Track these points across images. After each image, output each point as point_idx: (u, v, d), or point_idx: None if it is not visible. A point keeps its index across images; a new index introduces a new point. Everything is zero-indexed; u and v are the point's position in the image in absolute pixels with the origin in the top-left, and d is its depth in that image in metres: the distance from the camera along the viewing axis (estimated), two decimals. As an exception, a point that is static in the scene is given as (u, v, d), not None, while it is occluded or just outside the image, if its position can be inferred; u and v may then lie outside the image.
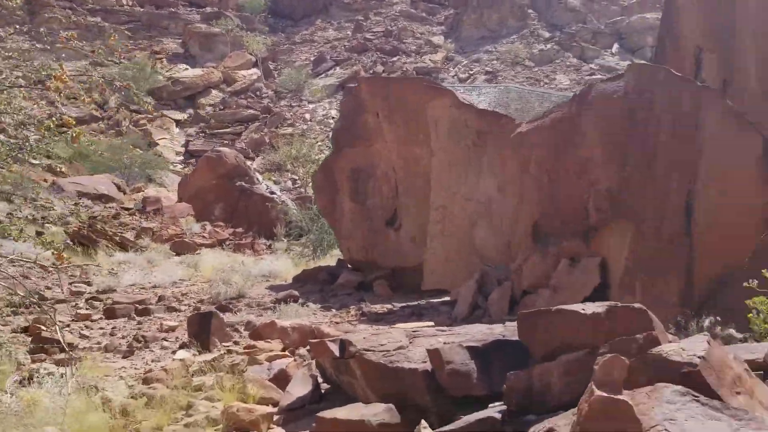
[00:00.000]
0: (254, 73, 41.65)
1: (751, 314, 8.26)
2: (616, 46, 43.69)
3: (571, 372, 5.12)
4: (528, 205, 12.26)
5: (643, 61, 30.04)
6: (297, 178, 32.24)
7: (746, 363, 6.45)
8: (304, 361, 8.45)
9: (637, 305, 5.26)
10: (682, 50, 16.84)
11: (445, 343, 6.25)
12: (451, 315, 12.13)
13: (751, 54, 14.50)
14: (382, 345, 6.55)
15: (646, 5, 45.25)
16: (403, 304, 12.94)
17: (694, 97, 10.05)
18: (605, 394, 3.20)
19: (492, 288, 12.42)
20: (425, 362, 6.14)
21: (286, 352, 9.17)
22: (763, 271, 7.94)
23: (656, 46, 17.88)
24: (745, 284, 8.12)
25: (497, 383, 5.77)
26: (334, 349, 6.91)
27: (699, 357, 3.80)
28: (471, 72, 42.68)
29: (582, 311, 5.28)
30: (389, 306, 12.88)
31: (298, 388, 7.42)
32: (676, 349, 3.98)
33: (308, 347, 8.50)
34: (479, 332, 6.69)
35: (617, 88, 10.88)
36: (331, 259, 18.25)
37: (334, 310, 12.79)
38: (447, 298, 13.17)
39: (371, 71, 39.92)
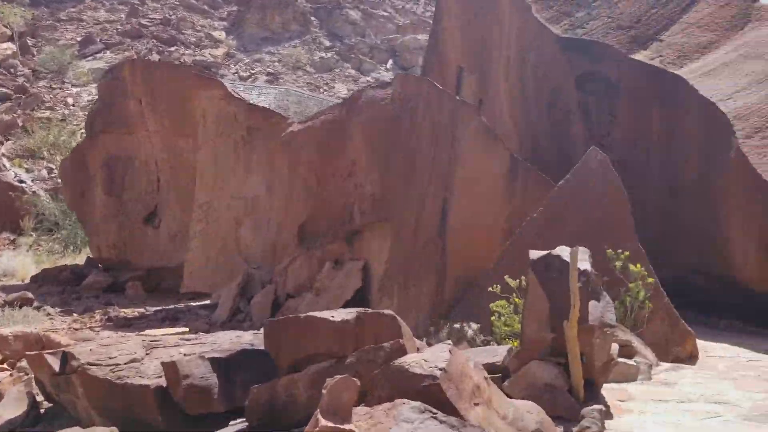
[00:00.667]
0: (9, 47, 36.51)
1: (494, 317, 8.64)
2: (390, 62, 45.46)
3: (318, 383, 4.67)
4: (296, 205, 11.84)
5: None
6: (54, 167, 28.71)
7: (487, 366, 6.61)
8: (25, 375, 7.11)
9: (387, 312, 4.98)
10: (445, 69, 17.72)
11: (185, 354, 5.49)
12: (209, 319, 11.27)
13: (502, 77, 15.61)
14: (111, 358, 5.60)
15: (419, 27, 47.75)
16: (158, 308, 11.80)
17: (452, 110, 10.34)
18: (331, 425, 2.78)
19: (255, 291, 11.80)
20: (161, 377, 5.34)
21: (5, 365, 7.69)
22: (505, 277, 8.28)
23: (424, 63, 18.65)
24: (489, 288, 8.47)
25: (241, 397, 5.16)
26: (54, 363, 5.79)
27: (440, 369, 3.55)
28: (252, 71, 41.62)
29: (331, 319, 4.87)
30: (141, 310, 11.66)
31: (10, 409, 6.16)
32: (418, 360, 3.70)
33: (31, 360, 7.15)
34: (227, 341, 6.03)
35: (385, 95, 10.89)
36: (83, 257, 16.29)
37: (75, 315, 11.24)
38: (207, 302, 12.27)
39: (146, 59, 37.08)
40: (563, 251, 6.70)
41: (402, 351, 4.44)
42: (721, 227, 11.26)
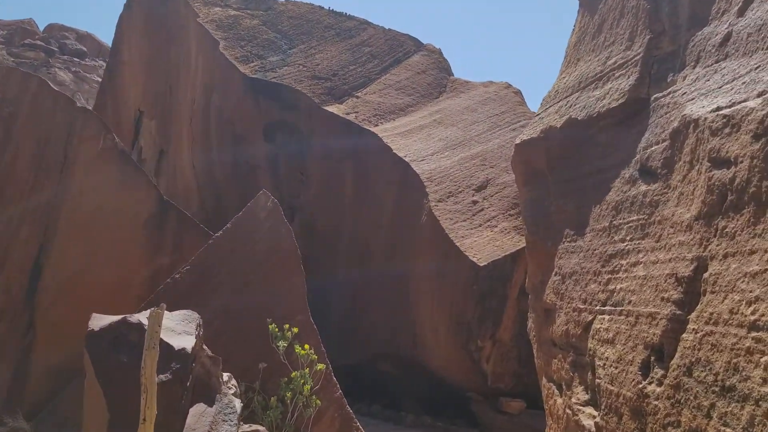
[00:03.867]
0: None
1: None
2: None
3: None
4: None
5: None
6: None
7: None
8: None
9: None
10: (122, 111, 14.19)
11: None
12: None
13: (185, 122, 12.65)
14: None
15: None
16: None
17: (69, 123, 6.95)
18: None
19: None
20: None
21: None
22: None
23: (96, 104, 14.86)
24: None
25: None
26: None
27: None
28: None
29: None
30: None
31: None
32: None
33: None
34: None
35: (-27, 94, 7.08)
36: None
37: None
38: None
39: None
40: (145, 316, 3.69)
41: None
42: (411, 301, 9.36)
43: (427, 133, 10.74)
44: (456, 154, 10.23)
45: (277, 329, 6.51)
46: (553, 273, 3.66)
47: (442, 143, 10.47)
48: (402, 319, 9.38)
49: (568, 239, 3.57)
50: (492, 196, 9.45)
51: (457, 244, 8.33)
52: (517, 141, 4.73)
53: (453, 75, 12.89)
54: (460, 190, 9.41)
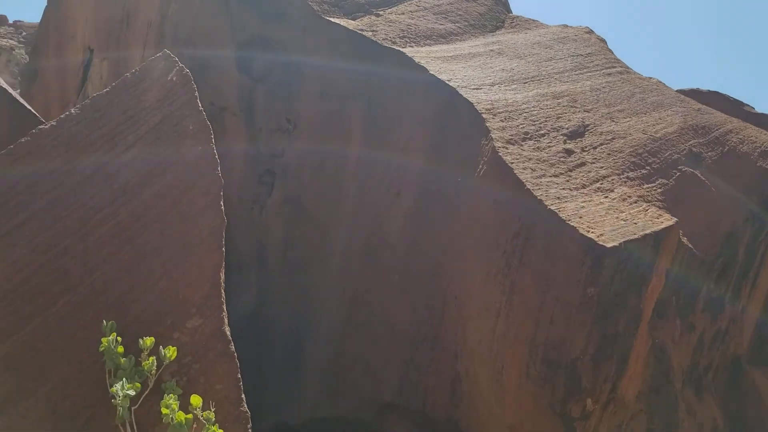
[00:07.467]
0: None
1: None
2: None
3: None
4: None
5: None
6: None
7: None
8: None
9: None
10: (67, 48, 10.38)
11: None
12: None
13: (138, 53, 8.76)
14: None
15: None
16: None
17: None
18: None
19: None
20: None
21: None
22: None
23: (37, 39, 11.07)
24: None
25: None
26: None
27: None
28: None
29: None
30: None
31: None
32: None
33: None
34: None
35: None
36: None
37: None
38: None
39: None
40: None
41: None
42: (450, 318, 5.18)
43: (482, 61, 6.69)
44: (529, 88, 6.15)
45: (121, 347, 2.44)
46: None
47: (505, 74, 6.41)
48: (432, 351, 5.14)
49: None
50: (595, 148, 5.31)
51: (552, 207, 4.16)
52: None
53: (512, 12, 8.92)
54: (542, 132, 5.29)
